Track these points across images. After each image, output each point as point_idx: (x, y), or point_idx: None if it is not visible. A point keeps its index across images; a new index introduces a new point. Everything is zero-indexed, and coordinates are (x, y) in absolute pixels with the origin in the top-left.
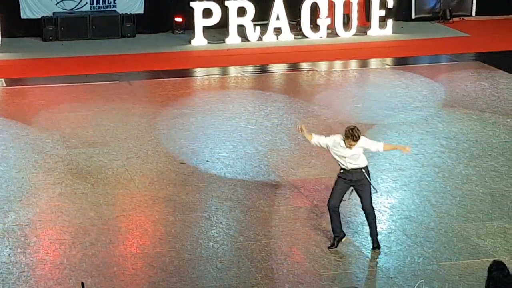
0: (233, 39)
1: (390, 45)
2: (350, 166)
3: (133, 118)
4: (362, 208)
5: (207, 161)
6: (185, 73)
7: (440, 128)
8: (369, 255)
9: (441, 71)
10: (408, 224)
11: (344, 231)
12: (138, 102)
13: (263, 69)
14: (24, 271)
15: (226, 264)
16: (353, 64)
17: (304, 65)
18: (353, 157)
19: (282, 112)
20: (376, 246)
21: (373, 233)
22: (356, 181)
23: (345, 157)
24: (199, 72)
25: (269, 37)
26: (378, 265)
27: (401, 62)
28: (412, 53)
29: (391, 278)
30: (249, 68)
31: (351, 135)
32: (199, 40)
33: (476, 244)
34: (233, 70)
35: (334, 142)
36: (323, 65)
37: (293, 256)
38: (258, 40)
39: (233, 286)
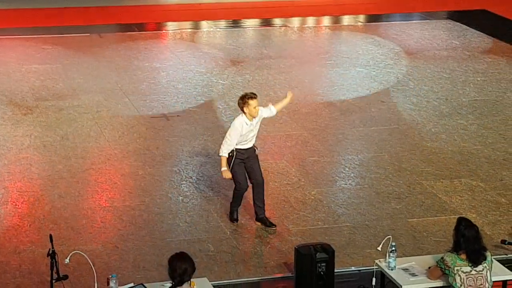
0: None
1: (363, 2)
2: (249, 145)
3: (103, 71)
4: (254, 182)
5: (178, 115)
6: (157, 26)
7: (410, 86)
8: (338, 211)
9: (413, 29)
10: (376, 181)
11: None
12: (109, 55)
13: (235, 24)
14: None
15: (195, 219)
16: (326, 20)
17: (277, 21)
18: (256, 125)
19: (254, 67)
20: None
21: (263, 208)
22: (248, 157)
23: (251, 132)
24: (170, 26)
25: None
26: (346, 221)
27: (373, 19)
28: (384, 11)
29: (358, 234)
30: (222, 23)
31: (251, 94)
32: None
33: (443, 202)
34: (205, 25)
35: (241, 127)
36: (295, 21)
37: None
38: None
39: (202, 240)
